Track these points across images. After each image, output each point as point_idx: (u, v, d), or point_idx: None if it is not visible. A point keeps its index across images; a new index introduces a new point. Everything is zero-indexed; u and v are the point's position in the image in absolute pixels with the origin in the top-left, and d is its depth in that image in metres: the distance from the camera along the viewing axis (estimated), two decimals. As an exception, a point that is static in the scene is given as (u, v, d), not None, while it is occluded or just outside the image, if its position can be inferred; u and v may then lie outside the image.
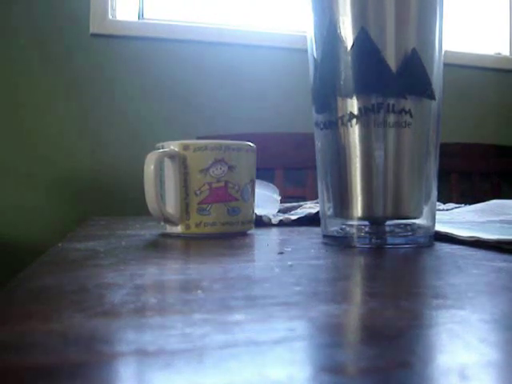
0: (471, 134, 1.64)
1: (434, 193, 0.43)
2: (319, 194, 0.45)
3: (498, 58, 1.74)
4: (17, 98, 1.36)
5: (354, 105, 0.41)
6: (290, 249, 0.40)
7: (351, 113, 0.41)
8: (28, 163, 1.36)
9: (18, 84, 1.36)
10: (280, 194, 0.73)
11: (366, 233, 0.42)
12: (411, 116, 0.40)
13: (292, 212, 0.72)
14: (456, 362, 0.15)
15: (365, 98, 0.40)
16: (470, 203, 0.80)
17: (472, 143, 1.59)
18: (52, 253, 0.38)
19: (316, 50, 0.43)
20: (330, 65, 0.42)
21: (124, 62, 1.42)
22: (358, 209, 0.41)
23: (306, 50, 0.45)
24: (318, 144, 0.44)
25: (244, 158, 0.52)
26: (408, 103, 0.40)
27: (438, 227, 0.44)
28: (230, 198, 0.51)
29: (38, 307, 0.21)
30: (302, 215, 0.65)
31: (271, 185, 0.71)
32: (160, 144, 0.52)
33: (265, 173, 0.99)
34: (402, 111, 0.40)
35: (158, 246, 0.44)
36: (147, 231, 0.55)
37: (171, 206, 0.50)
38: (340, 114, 0.41)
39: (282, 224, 0.63)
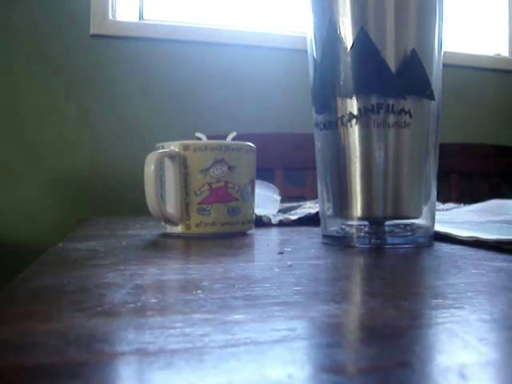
0: (471, 135, 1.64)
1: (434, 193, 0.43)
2: (319, 194, 0.45)
3: (498, 58, 1.74)
4: (17, 98, 1.36)
5: (353, 105, 0.41)
6: (289, 249, 0.40)
7: (351, 113, 0.41)
8: (28, 163, 1.36)
9: (17, 84, 1.36)
10: (280, 194, 0.73)
11: (366, 233, 0.42)
12: (411, 116, 0.40)
13: (292, 212, 0.72)
14: (455, 362, 0.15)
15: (364, 99, 0.40)
16: (470, 203, 0.80)
17: (471, 143, 1.59)
18: (52, 253, 0.38)
19: (316, 50, 0.43)
20: (330, 65, 0.42)
21: (124, 62, 1.42)
22: (357, 209, 0.41)
23: (305, 51, 0.45)
24: (318, 144, 0.44)
25: (244, 158, 0.52)
26: (407, 103, 0.40)
27: (438, 227, 0.44)
28: (230, 198, 0.51)
29: (39, 307, 0.21)
30: (301, 215, 0.65)
31: (271, 185, 0.71)
32: (160, 144, 0.52)
33: (265, 173, 0.99)
34: (402, 111, 0.40)
35: (158, 246, 0.44)
36: (147, 231, 0.55)
37: (171, 206, 0.50)
38: (340, 115, 0.41)
39: (281, 224, 0.63)
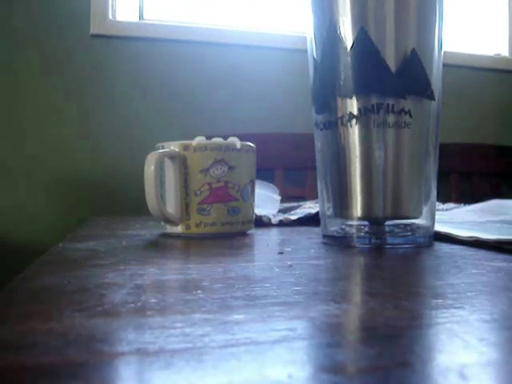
0: (471, 135, 1.64)
1: (434, 193, 0.43)
2: (319, 194, 0.45)
3: (498, 58, 1.74)
4: (17, 98, 1.36)
5: (353, 105, 0.41)
6: (289, 249, 0.40)
7: (351, 113, 0.41)
8: (28, 163, 1.36)
9: (17, 84, 1.36)
10: (280, 194, 0.73)
11: (366, 233, 0.42)
12: (411, 116, 0.40)
13: (292, 212, 0.72)
14: (455, 362, 0.15)
15: (364, 99, 0.40)
16: (470, 203, 0.80)
17: (471, 143, 1.59)
18: (52, 253, 0.38)
19: (316, 50, 0.43)
20: (330, 65, 0.42)
21: (124, 62, 1.42)
22: (357, 209, 0.41)
23: (305, 51, 0.45)
24: (318, 144, 0.44)
25: (244, 158, 0.52)
26: (407, 103, 0.40)
27: (438, 227, 0.44)
28: (230, 198, 0.51)
29: (39, 307, 0.21)
30: (301, 215, 0.65)
31: (271, 185, 0.71)
32: (160, 144, 0.52)
33: (265, 173, 0.99)
34: (402, 111, 0.40)
35: (158, 246, 0.44)
36: (147, 231, 0.55)
37: (171, 206, 0.50)
38: (340, 115, 0.41)
39: (281, 224, 0.63)
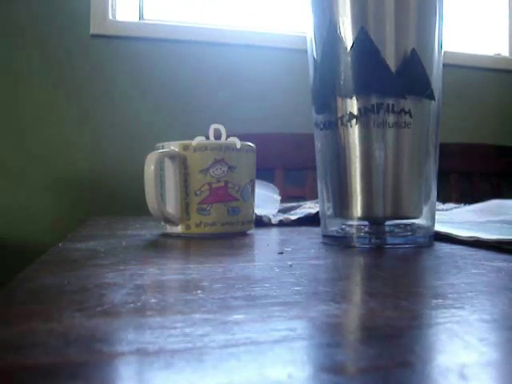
0: (471, 135, 1.64)
1: (434, 193, 0.43)
2: (319, 194, 0.45)
3: (498, 58, 1.74)
4: (17, 98, 1.36)
5: (353, 105, 0.41)
6: (289, 249, 0.40)
7: (351, 113, 0.41)
8: (28, 163, 1.36)
9: (17, 84, 1.36)
10: (280, 194, 0.73)
11: (366, 233, 0.42)
12: (411, 116, 0.40)
13: (292, 212, 0.72)
14: (455, 362, 0.15)
15: (364, 99, 0.40)
16: (470, 203, 0.80)
17: (472, 143, 1.59)
18: (52, 253, 0.38)
19: (316, 50, 0.43)
20: (330, 65, 0.42)
21: (124, 62, 1.42)
22: (357, 209, 0.41)
23: (305, 51, 0.45)
24: (318, 144, 0.44)
25: (244, 158, 0.52)
26: (407, 103, 0.40)
27: (438, 227, 0.44)
28: (230, 198, 0.51)
29: (39, 307, 0.21)
30: (301, 215, 0.65)
31: (271, 185, 0.71)
32: (160, 144, 0.52)
33: (265, 173, 0.99)
34: (402, 111, 0.40)
35: (158, 246, 0.44)
36: (147, 231, 0.55)
37: (171, 206, 0.50)
38: (340, 115, 0.41)
39: (281, 224, 0.63)
